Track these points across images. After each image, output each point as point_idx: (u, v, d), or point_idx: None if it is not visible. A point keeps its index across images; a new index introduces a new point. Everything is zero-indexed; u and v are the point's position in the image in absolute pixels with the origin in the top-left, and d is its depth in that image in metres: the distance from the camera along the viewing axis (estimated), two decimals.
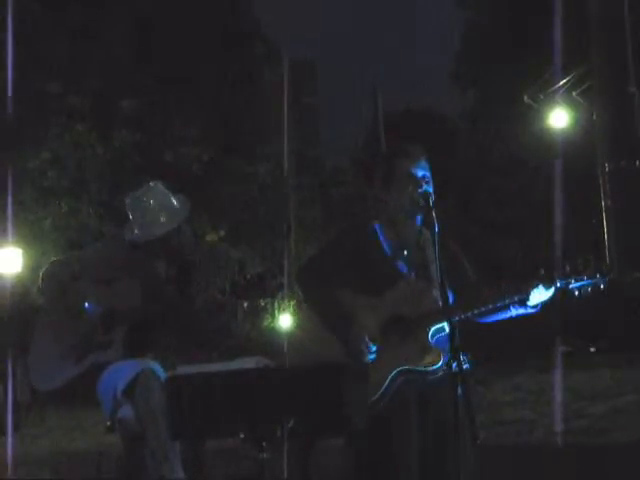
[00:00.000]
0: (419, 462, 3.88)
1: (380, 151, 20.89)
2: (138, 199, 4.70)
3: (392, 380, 3.90)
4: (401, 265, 4.13)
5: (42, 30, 15.60)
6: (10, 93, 13.69)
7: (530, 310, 4.05)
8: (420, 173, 4.12)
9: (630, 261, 12.48)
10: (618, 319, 12.06)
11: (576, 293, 4.02)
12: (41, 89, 15.72)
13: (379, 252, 4.16)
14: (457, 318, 3.96)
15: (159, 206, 4.64)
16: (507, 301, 4.02)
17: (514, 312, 4.08)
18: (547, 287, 3.98)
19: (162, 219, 4.63)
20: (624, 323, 11.90)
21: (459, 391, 3.50)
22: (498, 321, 4.17)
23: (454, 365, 3.55)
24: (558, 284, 3.99)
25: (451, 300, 4.05)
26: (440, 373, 3.91)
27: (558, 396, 7.53)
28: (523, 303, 4.02)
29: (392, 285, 4.05)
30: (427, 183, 4.12)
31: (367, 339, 3.97)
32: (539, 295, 3.99)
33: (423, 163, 4.16)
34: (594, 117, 13.65)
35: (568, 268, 4.02)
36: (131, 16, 17.80)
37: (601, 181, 13.29)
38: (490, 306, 4.02)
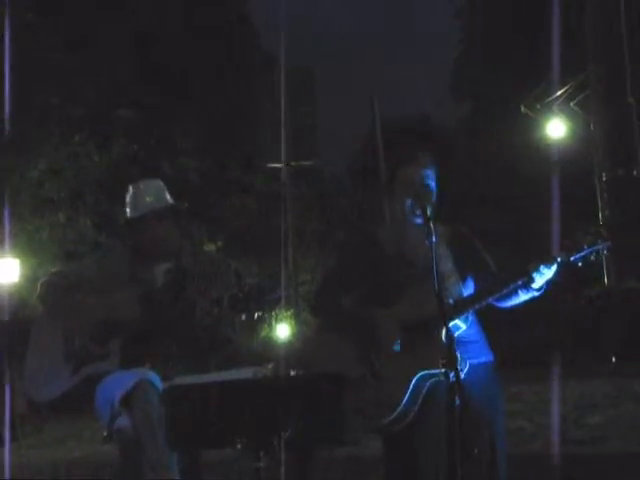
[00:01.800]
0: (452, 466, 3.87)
1: (378, 159, 20.91)
2: (134, 186, 4.84)
3: (416, 386, 3.89)
4: (409, 268, 4.13)
5: (39, 40, 15.62)
6: (8, 104, 13.70)
7: (536, 293, 4.05)
8: (423, 181, 4.12)
9: (627, 270, 12.50)
10: (616, 328, 12.06)
11: (579, 264, 4.01)
12: (39, 100, 15.73)
13: (385, 259, 4.17)
14: (466, 313, 3.97)
15: (147, 189, 4.78)
16: (511, 287, 4.01)
17: (523, 296, 4.07)
18: (549, 266, 3.97)
19: (147, 199, 4.73)
20: (622, 332, 11.90)
21: (457, 401, 3.49)
22: (513, 307, 4.17)
23: (451, 375, 3.54)
24: (559, 259, 3.98)
25: (472, 291, 4.09)
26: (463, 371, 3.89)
27: (556, 406, 7.51)
28: (528, 286, 4.01)
29: (403, 291, 4.05)
30: (429, 192, 4.12)
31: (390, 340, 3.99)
32: (543, 276, 3.98)
33: (428, 171, 4.16)
34: (591, 127, 13.68)
35: (567, 242, 4.02)
36: (129, 27, 17.84)
37: (598, 190, 13.32)
38: (496, 295, 4.03)
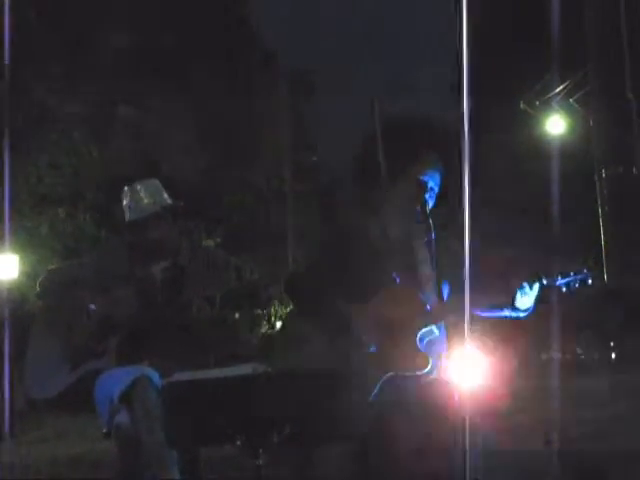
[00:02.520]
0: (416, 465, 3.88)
1: (378, 160, 20.92)
2: (130, 187, 4.79)
3: (382, 387, 3.88)
4: (390, 268, 4.13)
5: (39, 37, 15.60)
6: (8, 101, 13.67)
7: (522, 314, 4.05)
8: (429, 183, 4.12)
9: (627, 267, 12.51)
10: (616, 324, 12.07)
11: (563, 289, 4.03)
12: (38, 96, 15.72)
13: (367, 256, 4.16)
14: (444, 321, 3.97)
15: (146, 191, 4.74)
16: (495, 305, 4.02)
17: (507, 313, 4.08)
18: (531, 285, 3.98)
19: (146, 201, 4.69)
20: (622, 329, 11.91)
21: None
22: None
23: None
24: (545, 282, 4.00)
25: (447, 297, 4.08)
26: (431, 377, 3.91)
27: (556, 402, 7.51)
28: (512, 306, 4.02)
29: (381, 290, 4.04)
30: (430, 196, 4.12)
31: (364, 339, 3.97)
32: (526, 297, 3.98)
33: (435, 174, 4.16)
34: (591, 123, 13.67)
35: (557, 268, 4.06)
36: (128, 25, 17.82)
37: (598, 187, 13.32)
38: (477, 310, 4.02)
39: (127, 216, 4.74)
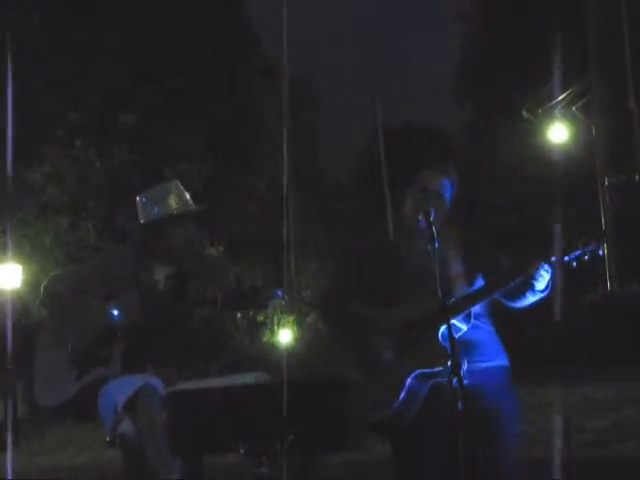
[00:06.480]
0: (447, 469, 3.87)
1: (380, 161, 20.89)
2: (153, 189, 4.75)
3: (411, 385, 3.87)
4: (416, 272, 4.12)
5: (42, 46, 15.63)
6: (10, 109, 13.69)
7: (541, 294, 4.02)
8: (437, 188, 4.11)
9: (630, 274, 12.51)
10: (618, 332, 12.06)
11: (574, 264, 4.00)
12: (41, 105, 15.74)
13: (396, 264, 4.15)
14: (465, 311, 3.95)
15: (173, 193, 4.72)
16: (512, 286, 3.99)
17: (530, 298, 4.04)
18: (543, 265, 3.96)
19: (172, 201, 4.67)
20: (624, 337, 11.90)
21: (459, 406, 3.49)
22: (523, 308, 4.13)
23: (454, 381, 3.53)
24: (553, 259, 3.97)
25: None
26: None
27: (559, 410, 7.49)
28: (532, 286, 3.99)
29: (405, 293, 4.04)
30: (440, 200, 4.10)
31: (385, 347, 3.95)
32: (542, 277, 3.96)
33: (444, 182, 4.15)
34: (593, 132, 13.68)
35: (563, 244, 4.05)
36: (130, 31, 17.85)
37: (600, 195, 13.32)
38: (492, 294, 4.00)
39: (145, 217, 4.68)
